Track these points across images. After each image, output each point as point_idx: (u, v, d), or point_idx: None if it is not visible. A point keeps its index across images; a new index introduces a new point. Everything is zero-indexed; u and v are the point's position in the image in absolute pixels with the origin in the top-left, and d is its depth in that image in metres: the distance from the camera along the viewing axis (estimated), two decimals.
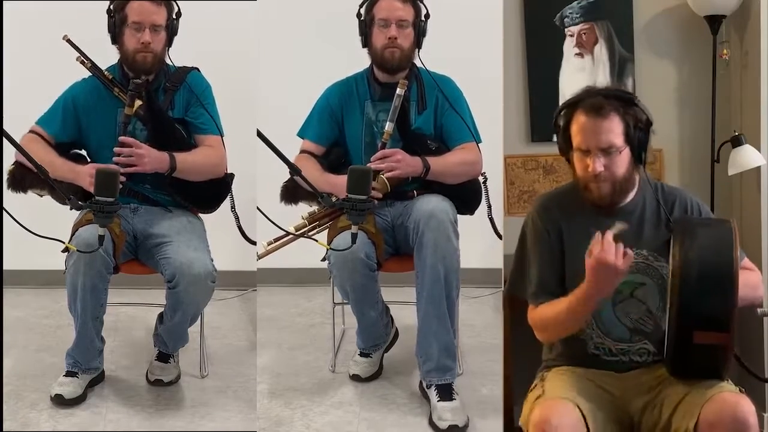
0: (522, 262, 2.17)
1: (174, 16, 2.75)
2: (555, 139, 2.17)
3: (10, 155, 2.19)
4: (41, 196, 2.73)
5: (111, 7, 2.71)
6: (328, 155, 2.88)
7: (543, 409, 1.90)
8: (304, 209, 2.80)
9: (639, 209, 2.12)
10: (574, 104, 2.08)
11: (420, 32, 2.77)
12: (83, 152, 2.83)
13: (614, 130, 2.02)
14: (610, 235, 1.88)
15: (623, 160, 2.04)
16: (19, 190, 2.72)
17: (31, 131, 2.75)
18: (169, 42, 2.76)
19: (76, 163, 2.72)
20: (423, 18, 2.78)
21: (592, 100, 2.05)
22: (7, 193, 2.62)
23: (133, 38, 2.69)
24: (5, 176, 2.72)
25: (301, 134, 2.91)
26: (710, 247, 1.92)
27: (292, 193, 2.86)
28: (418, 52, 2.79)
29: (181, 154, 2.72)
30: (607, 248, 1.86)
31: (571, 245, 2.10)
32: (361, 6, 2.79)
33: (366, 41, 2.79)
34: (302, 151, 2.88)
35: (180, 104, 2.80)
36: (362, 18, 2.79)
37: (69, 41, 2.70)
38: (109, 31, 2.72)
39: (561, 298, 2.05)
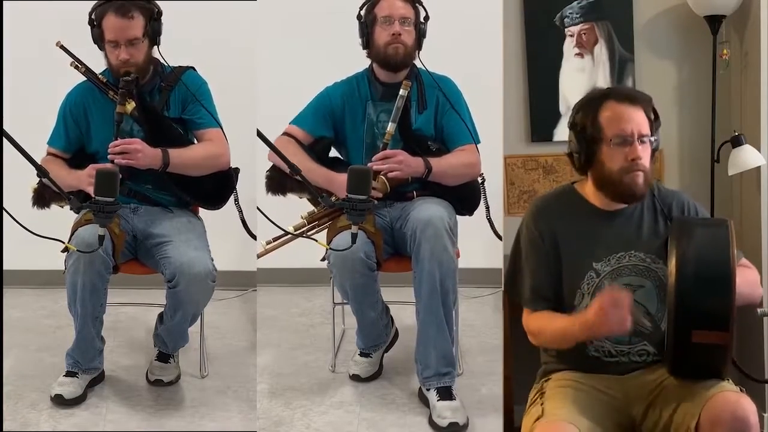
0: (516, 266, 2.16)
1: (154, 17, 2.70)
2: (569, 137, 2.12)
3: (16, 160, 2.21)
4: (62, 207, 2.74)
5: (92, 17, 2.68)
6: (314, 147, 2.86)
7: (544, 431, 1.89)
8: (297, 203, 2.80)
9: (637, 212, 2.11)
10: (599, 98, 2.07)
11: (420, 33, 2.78)
12: None
13: (645, 121, 2.04)
14: (629, 297, 1.87)
15: (649, 153, 2.05)
16: (44, 206, 2.76)
17: (48, 153, 2.80)
18: (154, 42, 2.72)
19: (78, 170, 2.72)
20: (423, 20, 2.79)
21: (622, 90, 2.10)
22: (8, 193, 2.62)
23: (113, 54, 2.67)
24: (29, 192, 2.76)
25: (295, 123, 2.88)
26: (707, 246, 1.91)
27: (278, 182, 2.83)
28: (419, 53, 2.79)
29: (175, 150, 2.70)
30: (617, 303, 1.86)
31: (566, 248, 2.09)
32: (361, 8, 2.80)
33: (367, 43, 2.79)
34: (284, 133, 2.84)
35: (176, 104, 2.79)
36: (363, 20, 2.79)
37: (62, 47, 2.69)
38: (94, 42, 2.70)
39: (557, 316, 2.05)
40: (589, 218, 2.10)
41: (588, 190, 2.13)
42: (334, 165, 2.85)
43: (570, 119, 2.12)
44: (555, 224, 2.10)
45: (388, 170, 2.68)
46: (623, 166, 2.02)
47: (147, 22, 2.68)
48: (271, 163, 2.83)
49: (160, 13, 2.73)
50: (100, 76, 2.74)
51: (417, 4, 2.79)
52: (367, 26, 2.78)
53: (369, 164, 2.69)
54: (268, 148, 2.53)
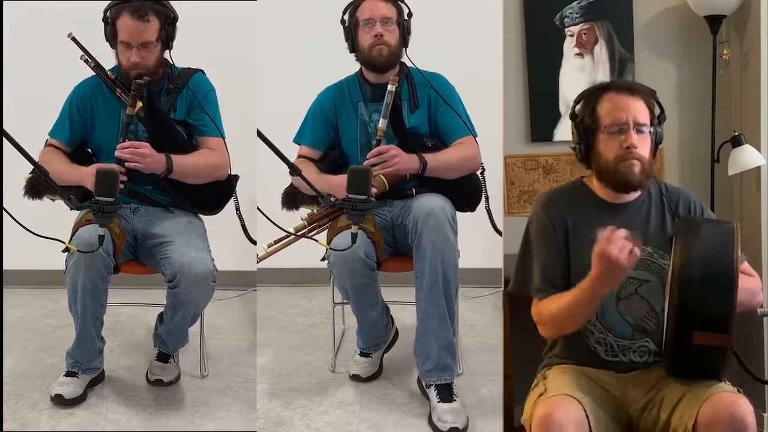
0: (526, 259, 2.15)
1: (168, 22, 2.70)
2: (571, 128, 2.14)
3: (16, 159, 2.21)
4: (53, 200, 2.75)
5: (106, 15, 2.68)
6: (325, 159, 2.88)
7: (546, 405, 1.89)
8: (304, 213, 2.80)
9: (645, 206, 2.12)
10: (599, 90, 2.10)
11: (405, 31, 2.78)
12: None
13: (644, 111, 2.06)
14: (621, 231, 1.84)
15: (648, 143, 2.06)
16: (35, 197, 2.76)
17: (48, 144, 2.79)
18: (167, 46, 2.72)
19: (81, 166, 2.72)
20: (407, 17, 2.79)
21: (623, 82, 2.13)
22: (8, 193, 2.62)
23: (124, 55, 2.67)
24: (23, 183, 2.75)
25: (297, 140, 2.91)
26: (712, 247, 1.90)
27: (292, 198, 2.87)
28: (406, 50, 2.79)
29: (179, 157, 2.71)
30: (614, 241, 1.83)
31: (576, 241, 2.09)
32: (344, 12, 2.80)
33: (353, 46, 2.80)
34: (299, 157, 2.88)
35: (182, 106, 2.79)
36: (346, 24, 2.80)
37: (74, 39, 2.69)
38: (106, 40, 2.71)
39: (565, 293, 2.03)
40: (597, 210, 2.11)
41: (595, 183, 2.15)
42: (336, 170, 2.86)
43: (571, 110, 2.14)
44: (565, 214, 2.11)
45: (383, 168, 2.68)
46: (618, 154, 2.04)
47: (162, 26, 2.68)
48: (285, 179, 2.83)
49: (175, 18, 2.72)
50: (108, 72, 2.74)
51: (399, 2, 2.79)
52: (350, 30, 2.79)
53: (364, 162, 2.70)
54: (270, 150, 2.53)
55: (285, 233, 2.61)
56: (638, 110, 2.05)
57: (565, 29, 3.02)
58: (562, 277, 2.08)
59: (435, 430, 2.58)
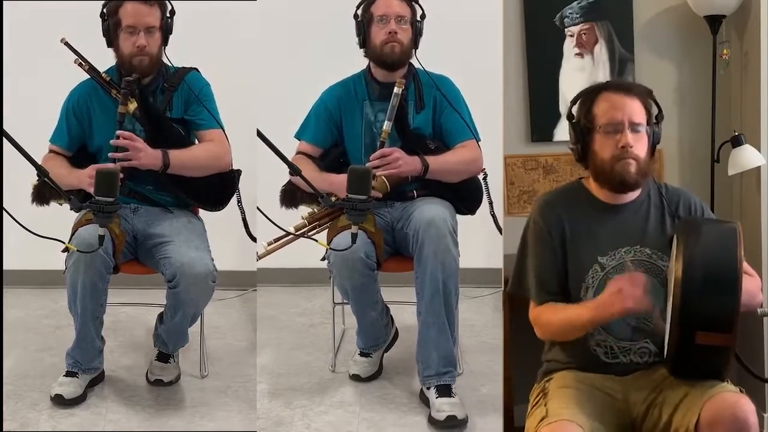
0: (523, 261, 2.16)
1: (168, 15, 2.73)
2: (568, 129, 2.14)
3: (16, 160, 2.21)
4: (61, 204, 2.75)
5: (104, 10, 2.70)
6: (326, 156, 2.88)
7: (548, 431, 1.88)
8: (304, 211, 2.80)
9: (644, 207, 2.12)
10: (595, 90, 2.11)
11: (417, 32, 2.78)
12: None
13: (640, 110, 2.06)
14: (645, 278, 1.91)
15: (645, 143, 2.06)
16: (43, 203, 2.78)
17: (49, 150, 2.80)
18: (164, 41, 2.74)
19: (79, 169, 2.72)
20: (419, 18, 2.79)
21: (619, 82, 2.16)
22: (7, 193, 2.62)
23: (128, 42, 2.68)
24: (26, 187, 2.76)
25: (298, 136, 2.91)
26: (715, 247, 1.90)
27: (291, 196, 2.86)
28: (416, 52, 2.79)
29: (175, 151, 2.71)
30: (634, 278, 1.90)
31: (573, 244, 2.09)
32: (358, 7, 2.80)
33: (364, 41, 2.80)
34: (298, 153, 2.88)
35: (178, 105, 2.79)
36: (359, 19, 2.79)
37: (66, 44, 2.70)
38: (104, 35, 2.71)
39: (566, 305, 2.05)
40: (595, 212, 2.12)
41: (593, 184, 2.15)
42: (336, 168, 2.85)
43: (567, 110, 2.14)
44: (562, 218, 2.11)
45: (384, 170, 2.68)
46: (614, 154, 2.04)
47: (162, 15, 2.71)
48: (285, 178, 2.83)
49: (173, 12, 2.75)
50: (103, 74, 2.74)
51: (413, 2, 2.79)
52: (363, 25, 2.78)
53: (367, 164, 2.70)
54: (270, 149, 2.53)
55: (285, 232, 2.61)
56: (634, 109, 2.05)
57: (565, 29, 3.02)
58: (558, 282, 2.09)
59: (433, 422, 2.59)
